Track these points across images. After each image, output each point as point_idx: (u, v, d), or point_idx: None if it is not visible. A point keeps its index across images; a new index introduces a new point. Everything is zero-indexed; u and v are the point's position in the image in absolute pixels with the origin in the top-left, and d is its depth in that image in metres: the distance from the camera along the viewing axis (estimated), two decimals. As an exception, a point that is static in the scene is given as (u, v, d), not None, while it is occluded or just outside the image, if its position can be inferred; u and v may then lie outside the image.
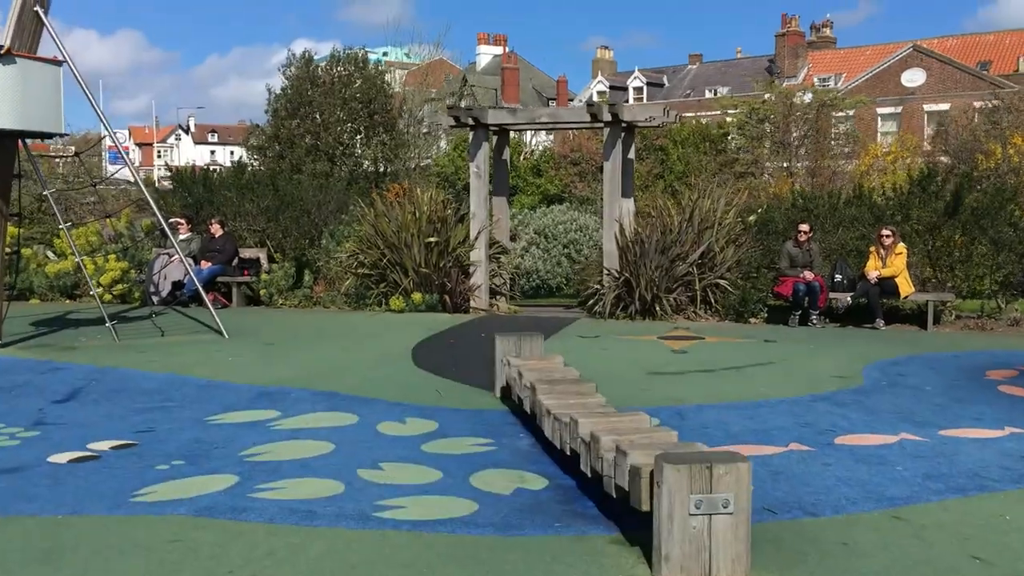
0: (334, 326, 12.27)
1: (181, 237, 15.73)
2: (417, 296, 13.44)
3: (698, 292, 12.57)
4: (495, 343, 7.52)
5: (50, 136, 10.79)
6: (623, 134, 13.20)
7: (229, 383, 8.16)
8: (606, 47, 72.33)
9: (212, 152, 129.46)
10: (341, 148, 22.79)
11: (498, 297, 14.29)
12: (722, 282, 12.66)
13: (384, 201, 14.40)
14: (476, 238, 13.70)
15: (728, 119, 33.23)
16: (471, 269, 13.78)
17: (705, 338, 10.94)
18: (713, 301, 12.67)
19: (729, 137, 28.61)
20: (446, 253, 13.67)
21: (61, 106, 10.62)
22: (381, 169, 23.70)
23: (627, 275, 12.69)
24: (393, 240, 13.65)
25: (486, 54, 76.92)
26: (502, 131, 14.54)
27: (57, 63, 10.59)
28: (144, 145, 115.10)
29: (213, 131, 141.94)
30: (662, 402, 7.25)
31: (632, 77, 66.62)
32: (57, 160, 30.62)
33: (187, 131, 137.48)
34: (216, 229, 15.44)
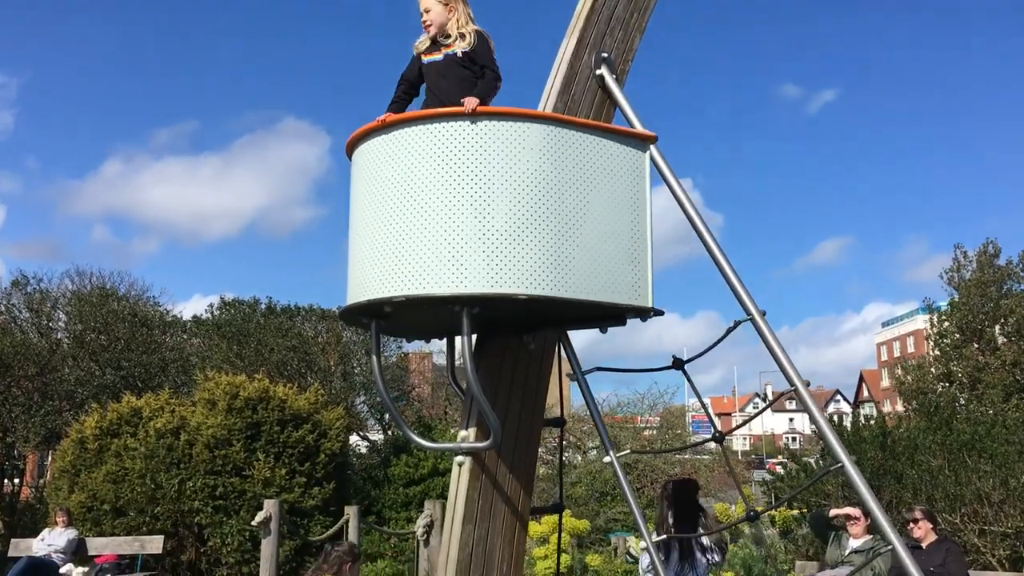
0: None
1: (854, 545, 8.45)
2: None
3: None
4: None
5: (621, 317, 4.43)
6: None
7: None
8: None
9: (791, 420, 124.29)
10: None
11: None
12: None
13: None
14: None
15: None
16: None
17: None
18: None
19: None
20: None
21: (649, 246, 4.38)
22: None
23: None
24: None
25: None
26: None
27: (644, 140, 4.47)
28: (723, 415, 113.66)
29: (790, 398, 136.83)
30: None
31: None
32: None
33: (764, 399, 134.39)
34: (923, 529, 7.87)
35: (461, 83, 4.55)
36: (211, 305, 27.99)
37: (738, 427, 5.24)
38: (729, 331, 4.69)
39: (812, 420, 4.73)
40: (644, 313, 4.37)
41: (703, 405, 5.36)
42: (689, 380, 4.75)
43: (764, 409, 5.58)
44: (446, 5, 4.63)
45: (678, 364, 4.71)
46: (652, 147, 4.60)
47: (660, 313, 4.36)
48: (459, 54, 4.58)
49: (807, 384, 4.62)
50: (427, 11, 4.65)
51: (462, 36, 4.60)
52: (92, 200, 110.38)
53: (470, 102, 4.12)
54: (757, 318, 4.69)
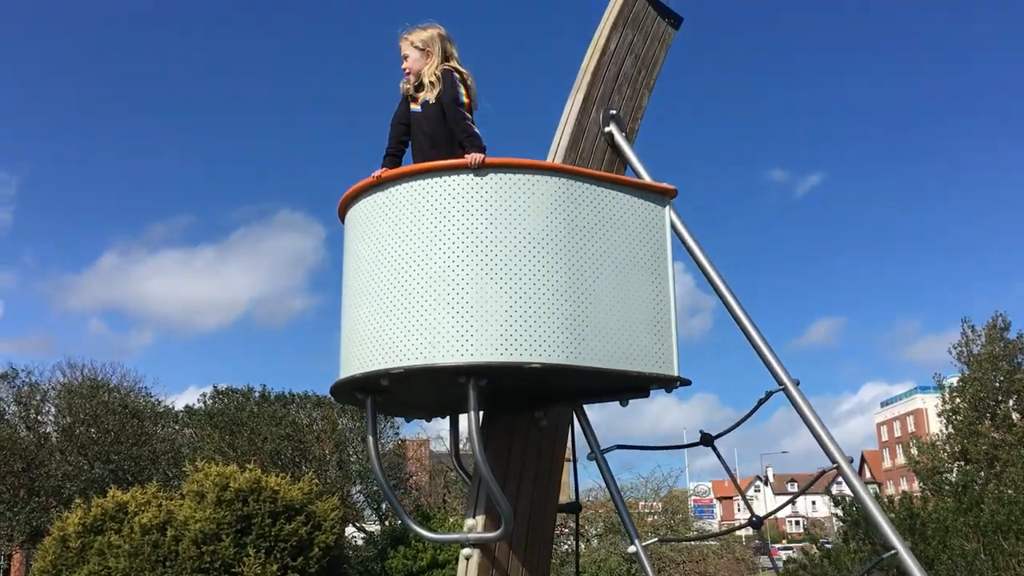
0: None
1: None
2: None
3: None
4: None
5: (644, 388, 4.03)
6: None
7: None
8: None
9: (792, 503, 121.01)
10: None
11: None
12: None
13: None
14: None
15: None
16: None
17: None
18: None
19: None
20: None
21: (673, 308, 4.00)
22: None
23: None
24: None
25: None
26: None
27: (663, 194, 4.13)
28: (724, 499, 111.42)
29: (792, 480, 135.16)
30: None
31: None
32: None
33: (766, 482, 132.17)
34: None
35: (434, 134, 4.24)
36: (204, 394, 27.41)
37: (778, 509, 4.80)
38: (761, 403, 4.29)
39: (857, 499, 4.28)
40: (670, 383, 3.96)
41: (735, 483, 4.91)
42: (719, 456, 4.33)
43: (807, 488, 5.06)
44: (423, 51, 4.36)
45: (707, 440, 4.29)
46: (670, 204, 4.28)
47: (687, 383, 3.95)
48: (431, 101, 4.28)
49: (850, 461, 4.18)
50: (405, 58, 4.42)
51: (431, 84, 4.31)
52: (88, 294, 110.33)
53: (474, 158, 3.78)
54: (791, 388, 4.28)
